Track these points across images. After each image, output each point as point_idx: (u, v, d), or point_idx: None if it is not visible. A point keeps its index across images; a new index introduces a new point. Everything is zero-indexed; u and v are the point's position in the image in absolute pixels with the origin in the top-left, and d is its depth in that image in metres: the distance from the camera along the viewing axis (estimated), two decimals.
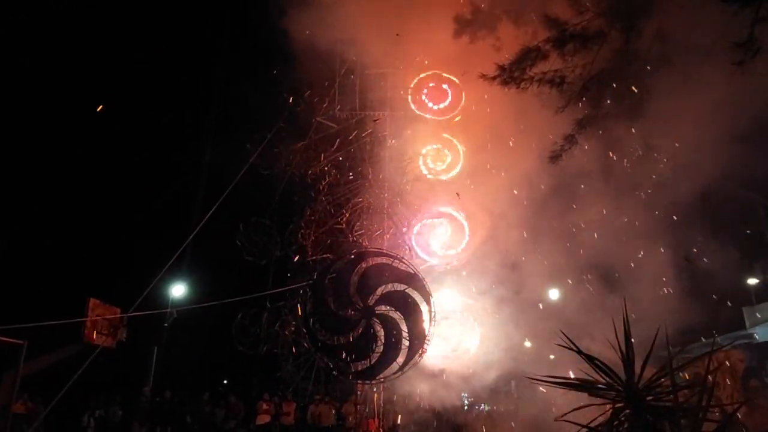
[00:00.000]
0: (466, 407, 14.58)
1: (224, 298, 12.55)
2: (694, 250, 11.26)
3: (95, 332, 11.43)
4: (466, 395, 14.07)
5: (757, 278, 20.95)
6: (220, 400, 17.27)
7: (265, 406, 15.74)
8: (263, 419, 15.59)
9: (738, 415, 3.97)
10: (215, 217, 12.25)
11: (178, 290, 20.68)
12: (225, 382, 29.37)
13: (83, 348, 11.29)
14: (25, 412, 13.54)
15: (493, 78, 5.72)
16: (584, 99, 5.55)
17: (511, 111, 10.87)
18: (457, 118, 13.39)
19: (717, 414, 3.89)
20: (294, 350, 13.02)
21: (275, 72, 13.73)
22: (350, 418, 13.70)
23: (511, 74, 5.59)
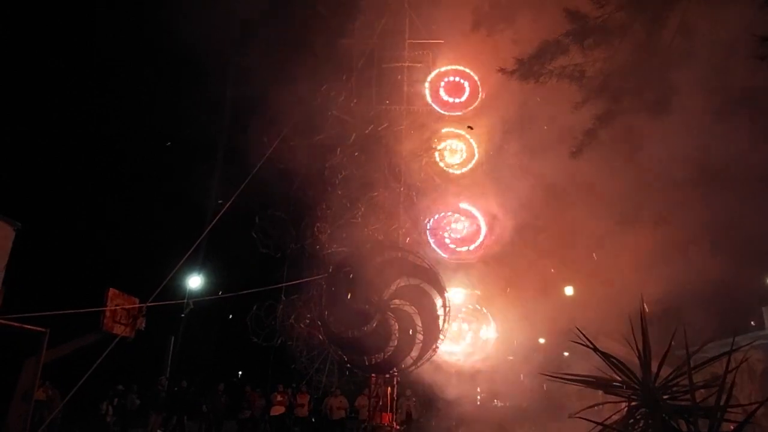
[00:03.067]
0: (478, 402, 14.57)
1: (240, 290, 12.66)
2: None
3: (114, 321, 11.61)
4: (479, 390, 14.05)
5: None
6: (235, 390, 17.47)
7: (279, 398, 15.91)
8: (278, 410, 15.76)
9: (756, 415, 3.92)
10: (231, 210, 12.35)
11: (194, 281, 20.96)
12: (240, 373, 29.73)
13: (102, 337, 11.48)
14: (45, 399, 13.83)
15: (512, 72, 5.67)
16: (604, 94, 5.48)
17: (529, 106, 10.77)
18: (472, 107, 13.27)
19: (735, 414, 3.85)
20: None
21: (291, 65, 13.75)
22: (363, 411, 13.78)
23: (530, 68, 5.53)
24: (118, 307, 11.55)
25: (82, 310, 10.54)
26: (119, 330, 11.52)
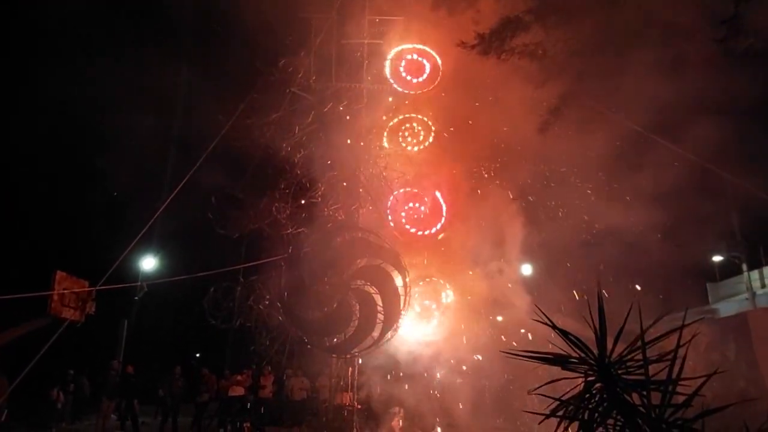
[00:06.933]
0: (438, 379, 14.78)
1: (196, 272, 12.36)
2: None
3: (62, 305, 11.14)
4: (440, 369, 14.24)
5: (722, 255, 21.63)
6: (192, 373, 17.20)
7: (239, 378, 15.78)
8: (236, 391, 15.64)
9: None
10: (187, 190, 11.97)
11: (148, 263, 20.40)
12: (197, 355, 29.34)
13: (50, 322, 11.01)
14: None
15: (472, 47, 5.61)
16: (565, 73, 5.50)
17: (489, 85, 10.79)
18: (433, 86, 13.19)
19: (684, 387, 3.98)
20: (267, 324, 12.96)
21: (249, 39, 13.31)
22: (324, 391, 13.81)
23: (491, 44, 5.48)
24: (66, 291, 11.07)
25: (27, 295, 10.06)
26: (68, 314, 11.06)
